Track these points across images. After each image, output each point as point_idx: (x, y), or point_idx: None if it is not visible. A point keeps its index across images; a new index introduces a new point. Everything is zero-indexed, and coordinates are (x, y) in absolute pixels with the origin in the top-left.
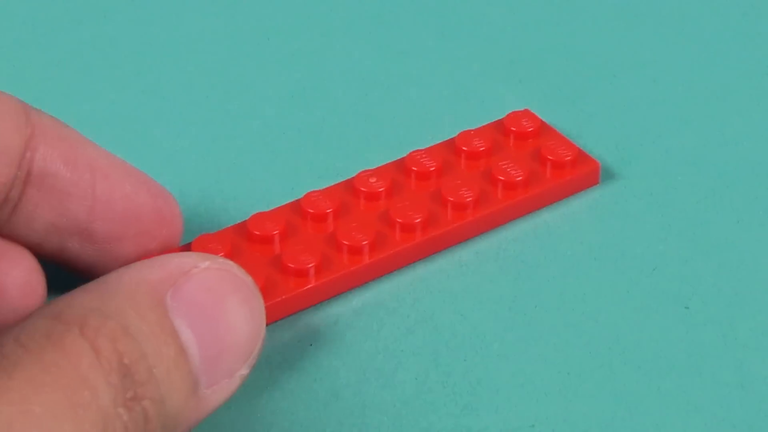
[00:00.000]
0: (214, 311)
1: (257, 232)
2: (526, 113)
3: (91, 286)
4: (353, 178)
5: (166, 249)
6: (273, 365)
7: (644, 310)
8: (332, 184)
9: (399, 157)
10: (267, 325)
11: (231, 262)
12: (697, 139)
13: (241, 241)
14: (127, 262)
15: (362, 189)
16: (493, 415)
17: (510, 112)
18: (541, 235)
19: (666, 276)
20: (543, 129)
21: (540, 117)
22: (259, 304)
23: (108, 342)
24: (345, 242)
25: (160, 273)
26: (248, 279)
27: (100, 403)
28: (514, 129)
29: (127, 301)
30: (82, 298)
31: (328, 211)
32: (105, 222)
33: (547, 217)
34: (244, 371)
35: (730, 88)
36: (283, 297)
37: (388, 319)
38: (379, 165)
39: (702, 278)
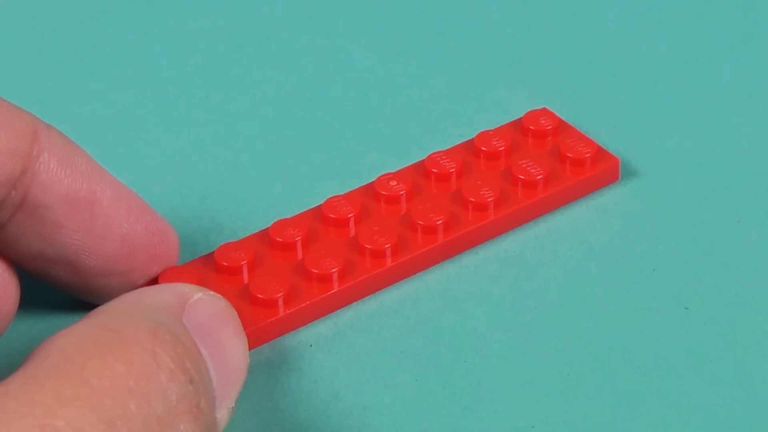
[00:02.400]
0: (218, 337)
1: (279, 239)
2: (544, 112)
3: (115, 303)
4: (373, 182)
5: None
6: (273, 366)
7: (644, 310)
8: (343, 187)
9: (414, 159)
10: (296, 330)
11: (219, 295)
12: (697, 140)
13: (264, 249)
14: (110, 293)
15: (383, 192)
16: (493, 416)
17: (528, 111)
18: (540, 235)
19: (666, 276)
20: (561, 127)
21: (558, 115)
22: (245, 338)
23: (169, 347)
24: (367, 246)
25: (172, 297)
26: (235, 312)
27: (151, 413)
28: (532, 128)
29: (160, 315)
30: (120, 310)
31: (350, 215)
32: (94, 258)
33: (546, 217)
34: (232, 404)
35: (731, 89)
36: (308, 302)
37: (389, 320)
38: (394, 167)
39: (702, 278)
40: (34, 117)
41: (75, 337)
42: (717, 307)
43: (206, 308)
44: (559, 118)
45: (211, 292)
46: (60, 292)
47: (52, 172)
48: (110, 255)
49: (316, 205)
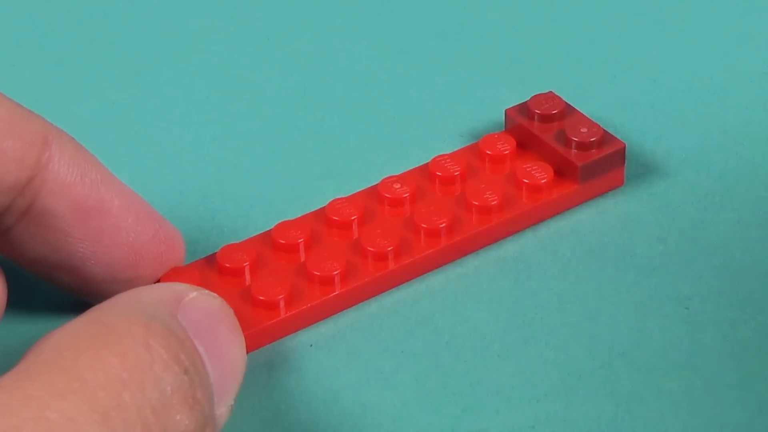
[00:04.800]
0: (215, 334)
1: (282, 241)
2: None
3: (110, 301)
4: (377, 184)
5: None
6: (273, 365)
7: (644, 310)
8: (345, 187)
9: (418, 161)
10: (297, 332)
11: (215, 294)
12: (697, 140)
13: (267, 250)
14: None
15: (386, 195)
16: (494, 416)
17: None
18: (540, 236)
19: (666, 276)
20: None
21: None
22: (242, 336)
23: (162, 339)
24: (370, 249)
25: (167, 295)
26: (232, 311)
27: (145, 402)
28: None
29: (154, 311)
30: (114, 307)
31: (353, 218)
32: (100, 266)
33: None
34: (231, 401)
35: (731, 87)
36: (309, 305)
37: (389, 321)
38: (397, 168)
39: (702, 278)
40: (46, 123)
41: (68, 333)
42: (717, 307)
43: (201, 306)
44: (566, 103)
45: (207, 291)
46: (60, 293)
47: (61, 180)
48: (117, 263)
49: (317, 206)
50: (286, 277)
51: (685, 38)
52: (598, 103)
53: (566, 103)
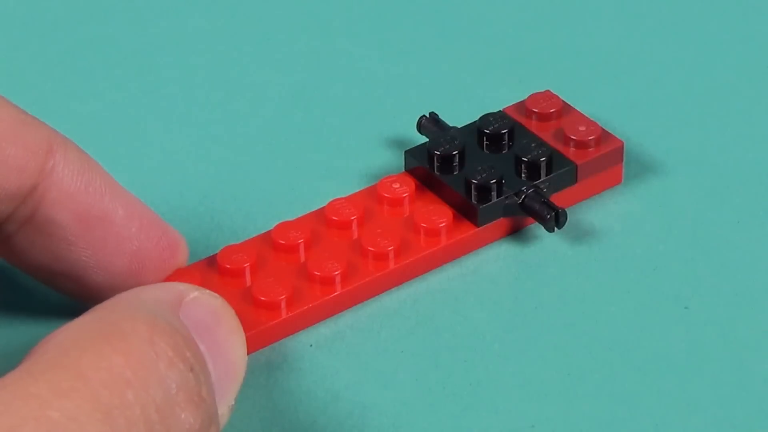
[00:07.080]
0: (216, 334)
1: (282, 241)
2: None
3: (113, 300)
4: (376, 184)
5: None
6: (273, 365)
7: (644, 310)
8: (344, 187)
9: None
10: (298, 332)
11: (216, 294)
12: (697, 139)
13: (267, 251)
14: None
15: (386, 195)
16: (494, 416)
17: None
18: (540, 235)
19: (666, 276)
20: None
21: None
22: (243, 336)
23: (167, 336)
24: (370, 249)
25: (169, 294)
26: (233, 311)
27: (149, 401)
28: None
29: (158, 309)
30: (118, 305)
31: (353, 218)
32: (103, 274)
33: None
34: (232, 401)
35: (731, 88)
36: (310, 305)
37: (389, 320)
38: (395, 167)
39: (702, 278)
40: (51, 131)
41: (72, 332)
42: (717, 307)
43: (203, 306)
44: (563, 101)
45: (208, 291)
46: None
47: (65, 189)
48: (119, 271)
49: (316, 205)
50: (287, 278)
51: (684, 37)
52: (597, 101)
53: (564, 101)
